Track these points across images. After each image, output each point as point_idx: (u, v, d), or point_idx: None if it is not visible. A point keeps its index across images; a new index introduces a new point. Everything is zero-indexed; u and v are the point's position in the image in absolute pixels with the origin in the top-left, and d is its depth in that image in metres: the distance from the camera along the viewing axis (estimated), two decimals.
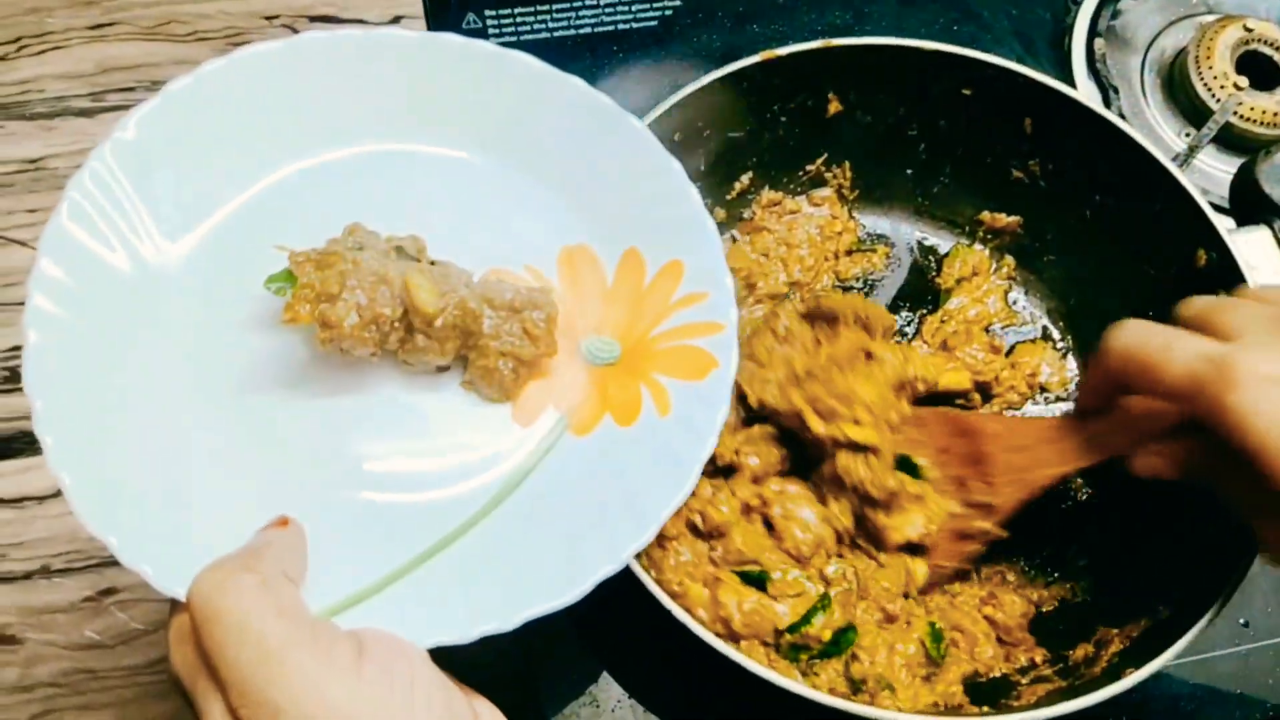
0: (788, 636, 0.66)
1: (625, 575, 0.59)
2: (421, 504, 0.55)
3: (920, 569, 0.69)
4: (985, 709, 0.62)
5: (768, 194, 0.84)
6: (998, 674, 0.69)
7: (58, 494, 0.80)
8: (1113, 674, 0.60)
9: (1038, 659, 0.69)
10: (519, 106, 0.62)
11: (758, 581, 0.67)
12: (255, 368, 0.57)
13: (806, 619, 0.66)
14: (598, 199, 0.62)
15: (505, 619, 0.51)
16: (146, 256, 0.56)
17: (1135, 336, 0.58)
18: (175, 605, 0.47)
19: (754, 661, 0.59)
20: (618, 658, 0.73)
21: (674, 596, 0.64)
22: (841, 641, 0.67)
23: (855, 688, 0.66)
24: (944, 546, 0.69)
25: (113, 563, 0.77)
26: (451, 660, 0.51)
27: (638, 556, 0.58)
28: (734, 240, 0.83)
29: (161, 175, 0.57)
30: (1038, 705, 0.59)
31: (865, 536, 0.69)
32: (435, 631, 0.50)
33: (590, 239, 0.62)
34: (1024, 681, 0.66)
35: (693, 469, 0.55)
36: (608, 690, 0.72)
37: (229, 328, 0.57)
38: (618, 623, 0.71)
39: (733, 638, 0.66)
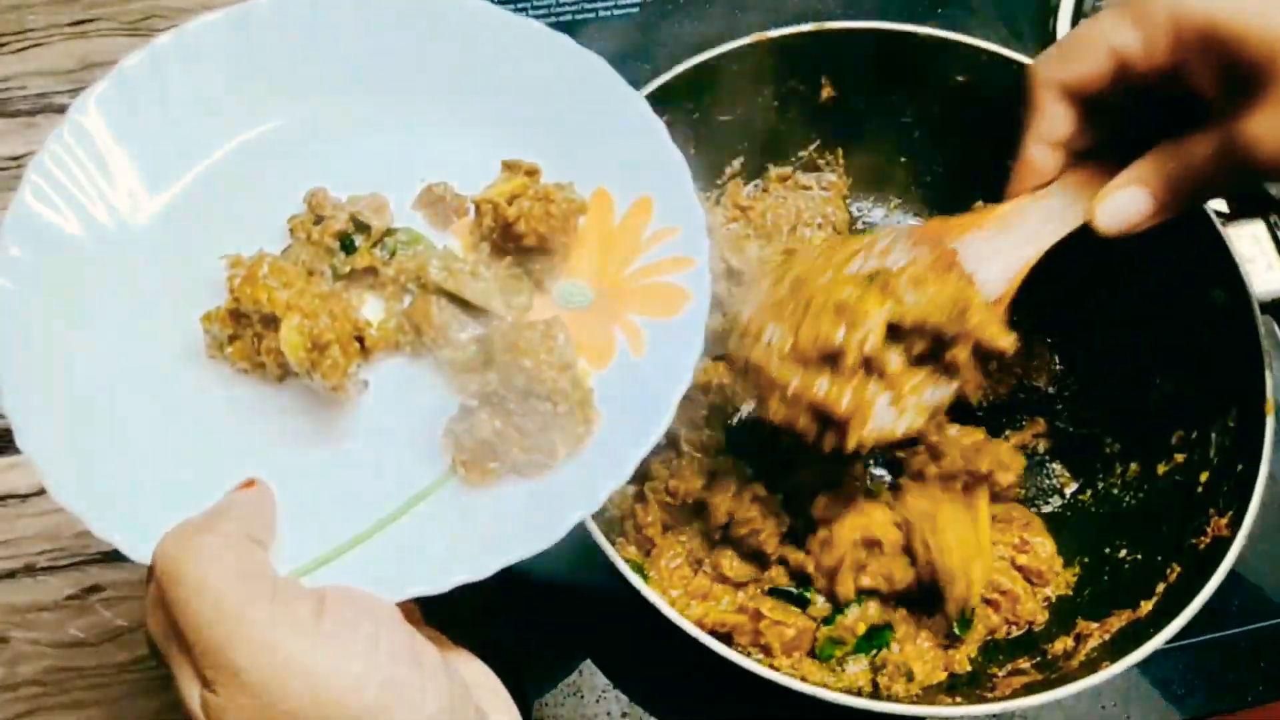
0: (823, 629, 0.66)
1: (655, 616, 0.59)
2: (395, 458, 0.55)
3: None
4: (958, 700, 0.62)
5: (776, 170, 0.83)
6: (1038, 627, 0.70)
7: (41, 492, 0.80)
8: (1089, 667, 0.60)
9: (1063, 586, 0.71)
10: (477, 52, 0.61)
11: (799, 601, 0.68)
12: None
13: (840, 610, 0.67)
14: (563, 140, 0.60)
15: (481, 567, 0.50)
16: (109, 231, 0.57)
17: (1052, 46, 0.60)
18: (149, 573, 0.47)
19: (766, 668, 0.59)
20: (603, 648, 0.73)
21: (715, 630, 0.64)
22: (875, 638, 0.67)
23: (876, 670, 0.67)
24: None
25: (97, 560, 0.78)
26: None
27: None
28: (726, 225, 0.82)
29: (120, 153, 0.57)
30: (1013, 696, 0.59)
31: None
32: (410, 584, 0.49)
33: (557, 181, 0.60)
34: (1000, 674, 0.66)
35: (668, 406, 0.53)
36: (593, 680, 0.72)
37: (195, 293, 0.56)
38: (602, 613, 0.71)
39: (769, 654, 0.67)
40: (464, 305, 0.58)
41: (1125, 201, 0.59)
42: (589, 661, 0.73)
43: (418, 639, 0.47)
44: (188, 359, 0.56)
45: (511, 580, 0.50)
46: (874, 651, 0.68)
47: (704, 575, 0.69)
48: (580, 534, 0.51)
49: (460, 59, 0.61)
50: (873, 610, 0.68)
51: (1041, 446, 0.79)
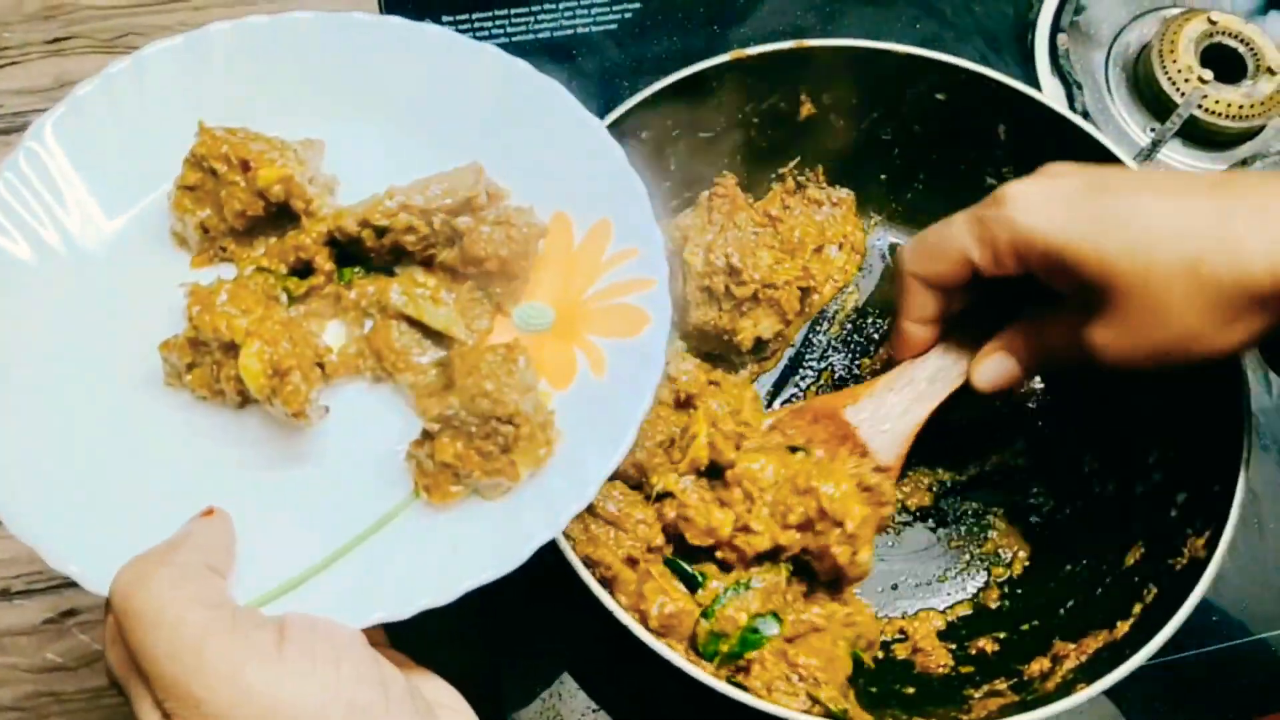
0: (704, 622, 0.65)
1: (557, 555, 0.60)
2: (358, 483, 0.55)
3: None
4: None
5: (782, 186, 0.83)
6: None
7: None
8: (1066, 689, 0.60)
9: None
10: (435, 78, 0.61)
11: (690, 581, 0.67)
12: None
13: (720, 600, 0.65)
14: (522, 164, 0.60)
15: (444, 592, 0.50)
16: (62, 256, 0.57)
17: (914, 240, 0.67)
18: (108, 605, 0.47)
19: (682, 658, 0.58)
20: (585, 668, 0.72)
21: (604, 579, 0.64)
22: (761, 630, 0.65)
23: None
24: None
25: (73, 584, 0.76)
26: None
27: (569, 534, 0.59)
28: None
29: (75, 179, 0.58)
30: (989, 718, 0.60)
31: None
32: (373, 610, 0.50)
33: (516, 206, 0.61)
34: (976, 695, 0.66)
35: (629, 427, 0.54)
36: (573, 702, 0.71)
37: (153, 320, 0.56)
38: (582, 630, 0.70)
39: (650, 632, 0.64)
40: (425, 330, 0.58)
41: (995, 366, 0.67)
42: (570, 684, 0.72)
43: (382, 663, 0.47)
44: (146, 387, 0.56)
45: (482, 591, 0.51)
46: (758, 647, 0.66)
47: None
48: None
49: (419, 85, 0.61)
50: (755, 601, 0.66)
51: (1020, 464, 0.79)
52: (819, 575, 0.68)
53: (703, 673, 0.58)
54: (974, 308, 0.68)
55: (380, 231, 0.57)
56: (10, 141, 0.93)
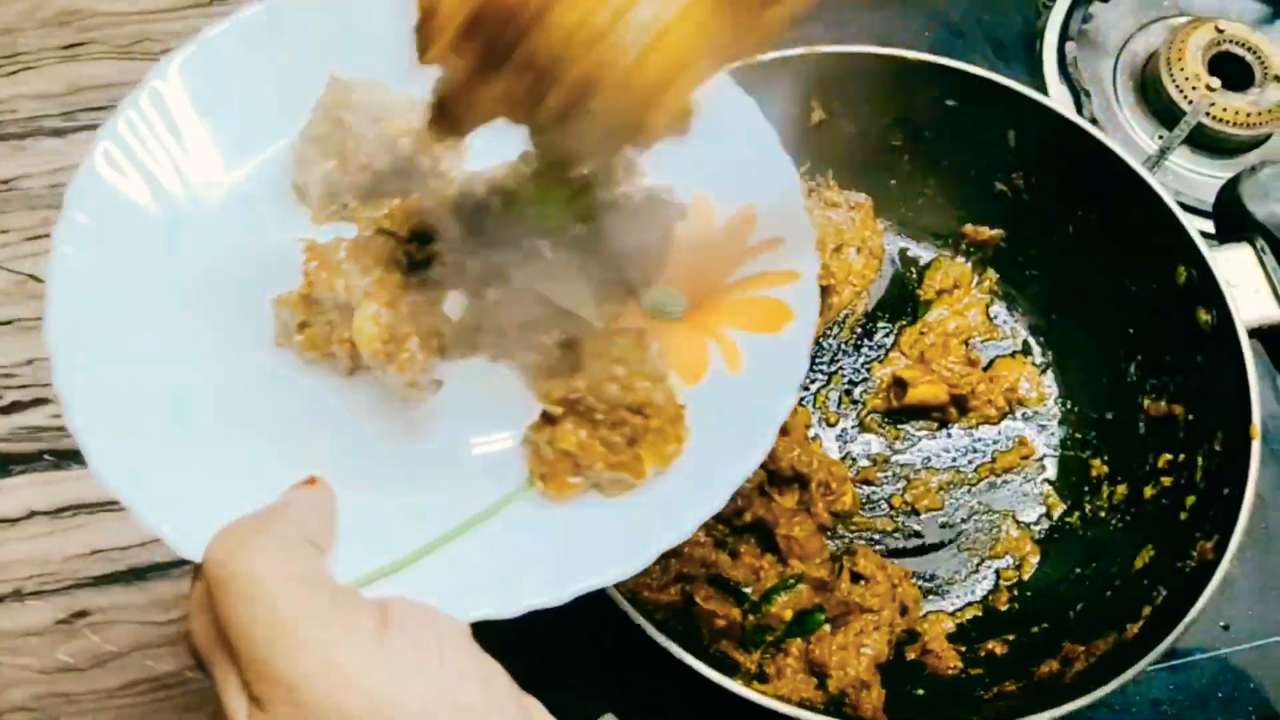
0: (750, 618, 0.65)
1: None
2: (468, 466, 0.52)
3: None
4: None
5: (805, 182, 0.83)
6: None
7: (30, 516, 0.80)
8: (1076, 690, 0.60)
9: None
10: None
11: (736, 593, 0.67)
12: None
13: (767, 598, 0.66)
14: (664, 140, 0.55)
15: (556, 591, 0.46)
16: (180, 203, 0.54)
17: None
18: (195, 572, 0.43)
19: (726, 678, 0.58)
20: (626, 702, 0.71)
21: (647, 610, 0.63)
22: (807, 622, 0.66)
23: (836, 702, 0.65)
24: None
25: (85, 585, 0.78)
26: None
27: None
28: None
29: (198, 123, 0.55)
30: (999, 719, 0.59)
31: None
32: (479, 604, 0.45)
33: (654, 184, 0.57)
34: (986, 697, 0.66)
35: (767, 430, 0.49)
36: None
37: (266, 276, 0.53)
38: (620, 660, 0.70)
39: (701, 642, 0.65)
40: (551, 307, 0.54)
41: None
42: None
43: (487, 661, 0.43)
44: (254, 345, 0.53)
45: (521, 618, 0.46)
46: (804, 638, 0.67)
47: None
48: None
49: None
50: (802, 595, 0.67)
51: (1030, 468, 0.79)
52: None
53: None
54: None
55: (509, 199, 0.54)
56: (25, 146, 0.93)
